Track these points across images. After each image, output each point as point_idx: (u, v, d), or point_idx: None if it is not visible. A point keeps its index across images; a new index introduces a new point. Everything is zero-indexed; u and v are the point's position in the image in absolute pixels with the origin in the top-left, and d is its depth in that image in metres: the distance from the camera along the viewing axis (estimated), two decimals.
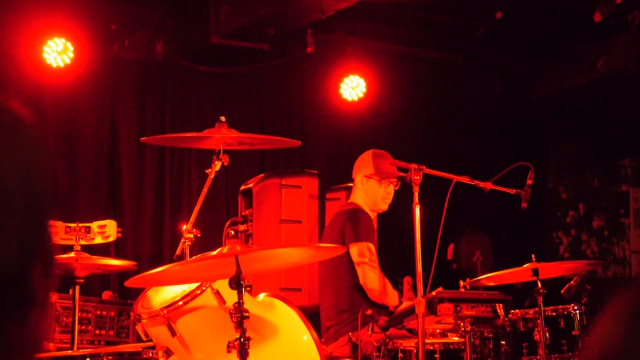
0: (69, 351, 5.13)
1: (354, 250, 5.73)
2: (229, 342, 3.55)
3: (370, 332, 4.98)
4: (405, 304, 5.83)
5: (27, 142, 0.98)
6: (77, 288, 5.29)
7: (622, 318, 0.95)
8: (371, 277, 5.74)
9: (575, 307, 5.38)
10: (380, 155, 6.00)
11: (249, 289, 5.66)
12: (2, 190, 0.93)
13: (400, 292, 6.06)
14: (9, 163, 0.94)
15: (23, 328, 0.95)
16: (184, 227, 4.62)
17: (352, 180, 6.14)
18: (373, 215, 6.00)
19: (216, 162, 4.65)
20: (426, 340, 4.76)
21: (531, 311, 5.37)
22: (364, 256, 5.74)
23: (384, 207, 6.00)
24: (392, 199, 6.02)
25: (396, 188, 5.94)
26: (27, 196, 0.95)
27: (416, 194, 4.63)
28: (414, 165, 4.69)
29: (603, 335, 0.95)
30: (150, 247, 7.59)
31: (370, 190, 5.96)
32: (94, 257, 5.35)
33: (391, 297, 5.82)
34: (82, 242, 5.42)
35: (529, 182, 4.95)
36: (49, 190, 0.98)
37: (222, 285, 3.80)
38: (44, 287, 0.97)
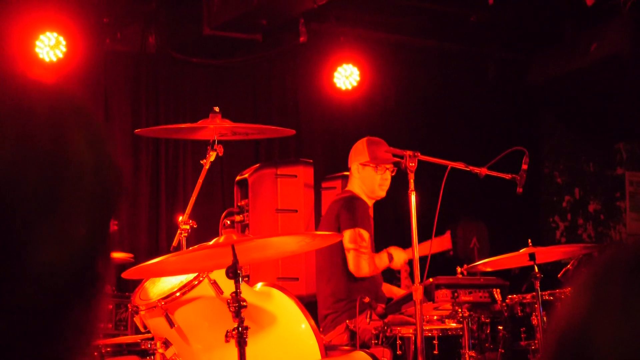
0: None
1: (346, 236, 5.72)
2: (227, 332, 3.55)
3: (368, 320, 4.99)
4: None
5: (96, 130, 1.01)
6: None
7: (586, 289, 0.95)
8: (362, 265, 5.73)
9: None
10: (374, 142, 5.99)
11: (246, 278, 5.66)
12: (77, 176, 0.97)
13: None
14: (83, 149, 0.98)
15: (87, 314, 0.99)
16: (180, 218, 4.62)
17: (347, 169, 6.13)
18: (370, 203, 5.99)
19: (211, 153, 4.65)
20: (424, 327, 4.77)
21: (529, 296, 5.37)
22: (355, 242, 5.73)
23: (382, 193, 5.98)
24: (390, 185, 6.01)
25: (393, 174, 5.93)
26: (99, 184, 0.99)
27: (412, 181, 4.64)
28: (409, 152, 4.69)
29: (566, 310, 0.95)
30: (147, 238, 7.60)
31: (367, 178, 5.95)
32: None
33: (380, 264, 5.80)
34: None
35: (524, 166, 4.95)
36: (117, 181, 1.02)
37: (219, 275, 3.80)
38: (105, 276, 1.01)
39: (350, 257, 5.74)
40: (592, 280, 0.95)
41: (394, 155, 5.10)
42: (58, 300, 0.95)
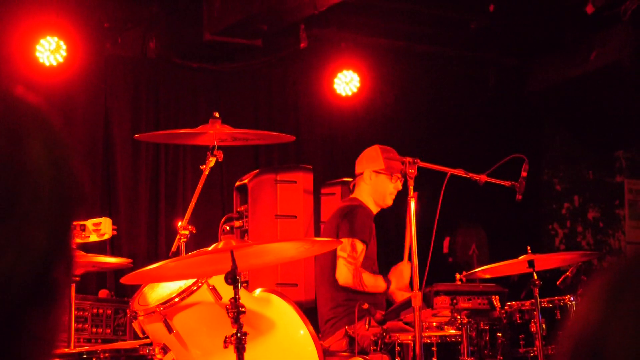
0: (66, 349, 5.12)
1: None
2: (226, 338, 3.55)
3: (367, 326, 4.98)
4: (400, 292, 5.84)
5: (55, 137, 1.00)
6: (73, 286, 5.27)
7: (599, 299, 0.96)
8: (344, 274, 5.72)
9: (572, 298, 5.38)
10: (388, 150, 5.99)
11: (245, 284, 5.66)
12: (35, 183, 0.95)
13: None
14: (40, 156, 0.96)
15: (46, 323, 0.97)
16: (180, 223, 4.62)
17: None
18: (375, 211, 5.98)
19: (210, 158, 4.66)
20: (423, 334, 4.76)
21: (527, 303, 5.37)
22: (344, 251, 5.72)
23: (390, 202, 5.98)
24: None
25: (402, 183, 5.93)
26: (57, 191, 0.97)
27: (411, 187, 4.64)
28: (408, 159, 4.69)
29: (581, 316, 0.96)
30: (146, 244, 7.59)
31: (380, 186, 5.93)
32: (90, 255, 5.34)
33: (373, 285, 5.77)
34: (78, 240, 5.40)
35: (524, 174, 4.96)
36: (76, 186, 1.00)
37: (218, 281, 3.80)
38: (65, 284, 0.99)
39: (338, 264, 5.75)
40: (607, 287, 0.96)
41: (394, 161, 5.10)
42: (15, 309, 0.93)
